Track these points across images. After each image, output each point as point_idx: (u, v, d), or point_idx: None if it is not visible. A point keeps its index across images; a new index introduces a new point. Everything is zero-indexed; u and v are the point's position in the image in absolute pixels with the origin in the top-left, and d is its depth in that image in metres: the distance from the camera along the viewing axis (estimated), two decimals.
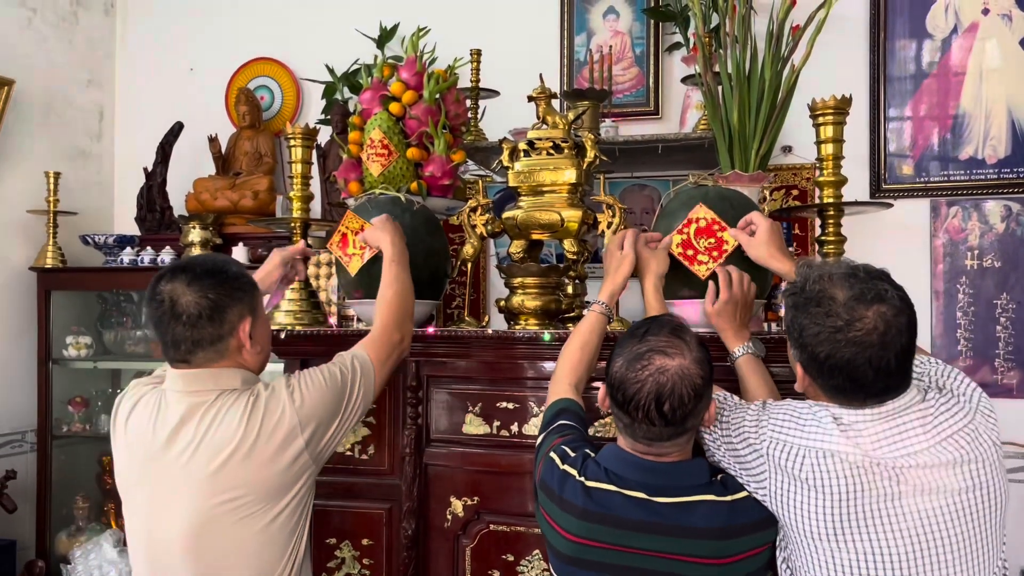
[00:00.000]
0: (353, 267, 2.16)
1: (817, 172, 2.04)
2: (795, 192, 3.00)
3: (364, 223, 2.12)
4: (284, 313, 2.25)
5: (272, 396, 1.62)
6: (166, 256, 3.39)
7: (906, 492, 1.36)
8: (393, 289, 1.91)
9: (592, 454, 1.55)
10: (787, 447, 1.44)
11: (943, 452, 1.38)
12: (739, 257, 1.91)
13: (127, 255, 3.44)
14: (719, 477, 1.52)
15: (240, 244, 3.33)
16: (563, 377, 1.77)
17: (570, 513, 1.50)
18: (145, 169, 3.60)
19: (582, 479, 1.51)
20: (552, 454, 1.58)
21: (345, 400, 1.69)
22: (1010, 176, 2.84)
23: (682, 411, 1.43)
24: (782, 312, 2.10)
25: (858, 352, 1.36)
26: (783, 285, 2.12)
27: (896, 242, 2.88)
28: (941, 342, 2.88)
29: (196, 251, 3.32)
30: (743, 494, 1.48)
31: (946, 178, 2.91)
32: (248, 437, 1.56)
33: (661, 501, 1.45)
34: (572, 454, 1.56)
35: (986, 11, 2.87)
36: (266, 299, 2.05)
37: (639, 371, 1.44)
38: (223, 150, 3.65)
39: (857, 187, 2.85)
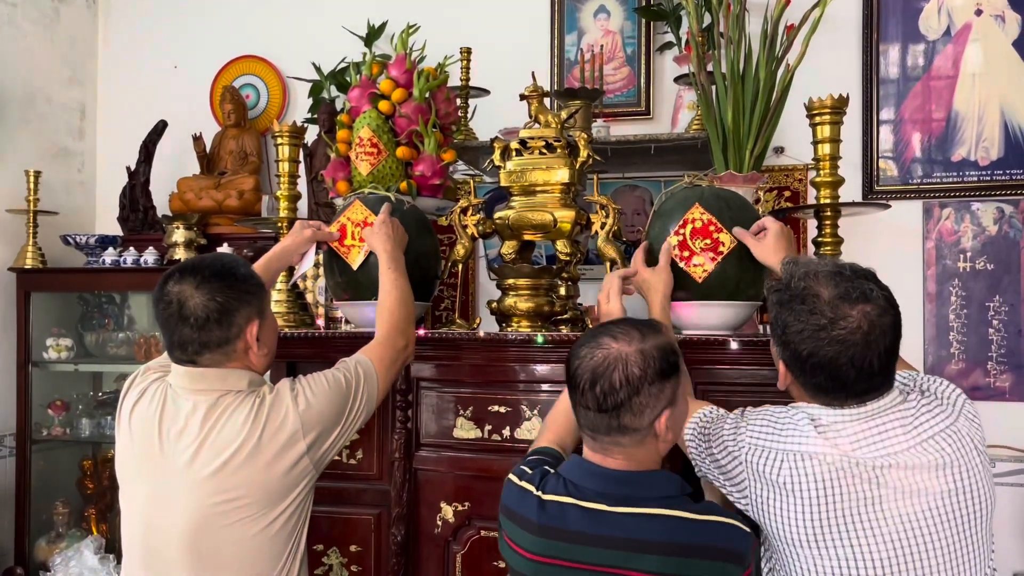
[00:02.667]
0: (353, 259, 2.11)
1: (813, 173, 2.02)
2: (787, 193, 2.98)
3: (369, 215, 2.08)
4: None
5: (276, 399, 1.60)
6: (149, 257, 3.33)
7: (887, 496, 1.35)
8: (393, 295, 1.90)
9: (552, 470, 1.48)
10: (764, 452, 1.42)
11: (924, 454, 1.36)
12: (736, 258, 1.89)
13: (109, 256, 3.38)
14: (690, 494, 1.42)
15: (225, 244, 3.28)
16: (544, 436, 1.68)
17: (526, 529, 1.43)
18: (128, 168, 3.54)
19: (539, 493, 1.44)
20: (510, 475, 1.51)
21: (348, 406, 1.67)
22: (1003, 178, 2.83)
23: (614, 398, 1.36)
24: None
25: (841, 351, 1.35)
26: None
27: (888, 244, 2.87)
28: (933, 345, 2.86)
29: (180, 252, 3.26)
30: (716, 518, 1.37)
31: (938, 180, 2.90)
32: (251, 439, 1.55)
33: (619, 511, 1.37)
34: (530, 471, 1.49)
35: (979, 12, 2.86)
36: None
37: (583, 347, 1.42)
38: (208, 149, 3.60)
39: (849, 189, 2.82)
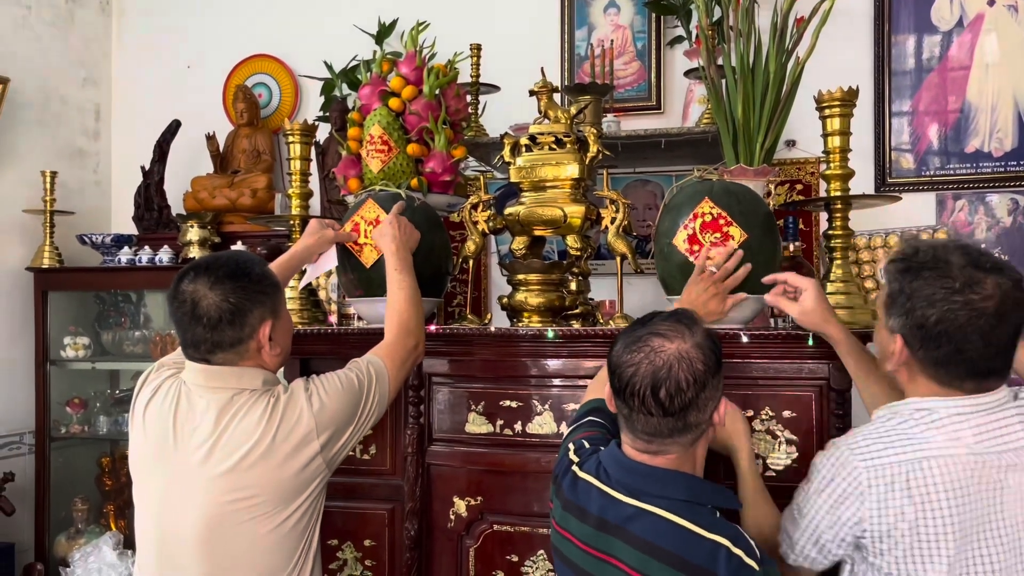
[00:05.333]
0: (367, 257, 2.12)
1: (823, 165, 2.01)
2: (799, 187, 2.97)
3: (381, 213, 2.09)
4: None
5: (291, 399, 1.61)
6: (164, 255, 3.36)
7: (1008, 501, 1.31)
8: (401, 295, 1.90)
9: (602, 448, 1.49)
10: (885, 470, 1.33)
11: None
12: (746, 252, 1.88)
13: (125, 255, 3.41)
14: (698, 501, 1.36)
15: (239, 243, 3.30)
16: (601, 379, 1.66)
17: (559, 500, 1.47)
18: (142, 168, 3.57)
19: (576, 468, 1.46)
20: (570, 445, 1.54)
21: (361, 406, 1.68)
22: (1017, 169, 2.81)
23: (680, 399, 1.31)
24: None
25: (971, 319, 1.29)
26: None
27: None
28: None
29: (194, 250, 3.29)
30: (715, 537, 1.30)
31: (952, 172, 2.88)
32: (265, 438, 1.56)
33: (626, 502, 1.36)
34: (587, 446, 1.51)
35: (991, 2, 2.84)
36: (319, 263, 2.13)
37: (634, 353, 1.35)
38: (221, 148, 3.62)
39: (862, 181, 2.81)
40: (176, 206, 3.59)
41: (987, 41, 2.85)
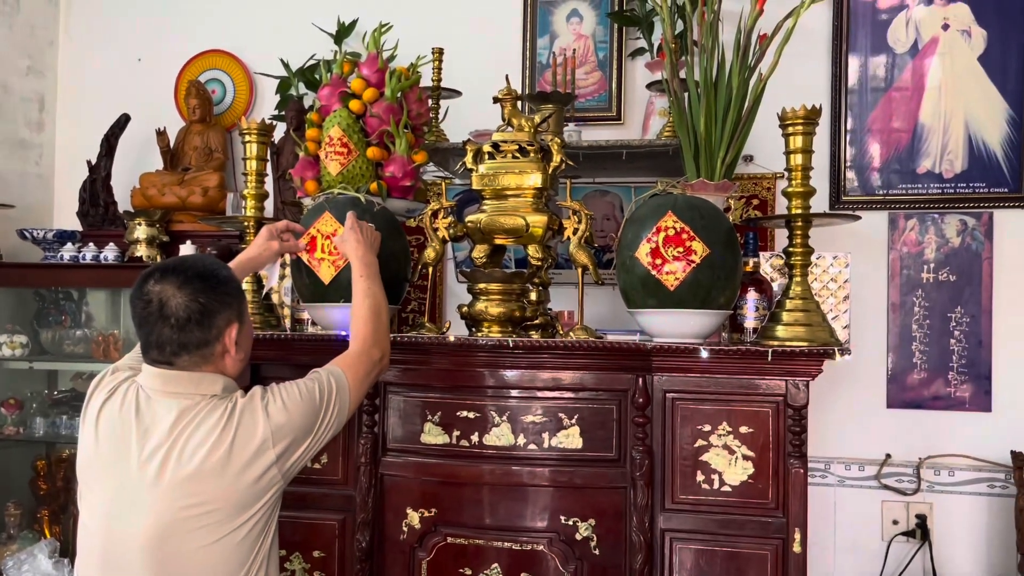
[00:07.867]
0: (324, 273, 2.08)
1: (783, 182, 2.03)
2: (755, 202, 2.99)
3: (339, 228, 2.05)
4: None
5: (248, 407, 1.58)
6: (109, 253, 3.26)
7: None
8: (366, 305, 1.87)
9: None
10: None
11: None
12: (708, 266, 1.88)
13: (68, 251, 3.29)
14: None
15: (188, 242, 3.21)
16: None
17: None
18: (88, 162, 3.46)
19: None
20: None
21: (320, 417, 1.65)
22: (966, 191, 2.87)
23: None
24: (747, 323, 2.09)
25: None
26: (749, 295, 2.10)
27: (854, 254, 2.88)
28: (896, 355, 2.89)
29: (141, 248, 3.20)
30: None
31: (904, 191, 2.93)
32: (221, 447, 1.52)
33: None
34: None
35: (946, 27, 2.90)
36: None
37: None
38: (171, 144, 3.52)
39: (817, 199, 2.83)
40: (123, 203, 3.47)
41: (940, 64, 2.90)
